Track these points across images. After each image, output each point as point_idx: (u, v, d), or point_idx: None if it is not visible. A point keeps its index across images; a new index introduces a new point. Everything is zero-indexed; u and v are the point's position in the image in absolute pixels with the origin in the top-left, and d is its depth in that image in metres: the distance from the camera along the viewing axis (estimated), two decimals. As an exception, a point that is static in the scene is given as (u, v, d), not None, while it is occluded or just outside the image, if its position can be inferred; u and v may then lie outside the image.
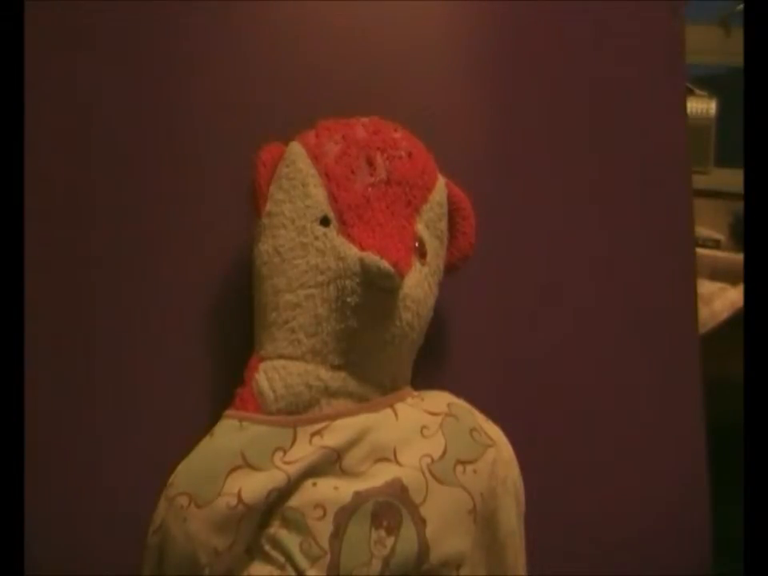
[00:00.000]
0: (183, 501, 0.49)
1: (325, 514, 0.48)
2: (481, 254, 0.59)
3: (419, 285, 0.53)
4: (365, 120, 0.56)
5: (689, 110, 0.74)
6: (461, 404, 0.54)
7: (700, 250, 0.97)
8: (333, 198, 0.52)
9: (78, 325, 0.62)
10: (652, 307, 0.67)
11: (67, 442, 0.59)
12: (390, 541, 0.48)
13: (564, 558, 0.60)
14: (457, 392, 0.55)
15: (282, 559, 0.47)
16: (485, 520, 0.51)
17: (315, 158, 0.54)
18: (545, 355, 0.65)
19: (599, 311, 0.66)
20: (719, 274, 1.06)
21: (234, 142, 0.64)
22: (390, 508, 0.48)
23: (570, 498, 0.62)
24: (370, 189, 0.53)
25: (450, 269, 0.57)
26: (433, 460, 0.50)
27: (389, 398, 0.53)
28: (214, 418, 0.52)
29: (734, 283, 1.04)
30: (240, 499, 0.48)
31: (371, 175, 0.53)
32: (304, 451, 0.49)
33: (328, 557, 0.47)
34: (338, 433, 0.50)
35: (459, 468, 0.51)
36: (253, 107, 0.66)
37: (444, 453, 0.51)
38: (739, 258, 1.09)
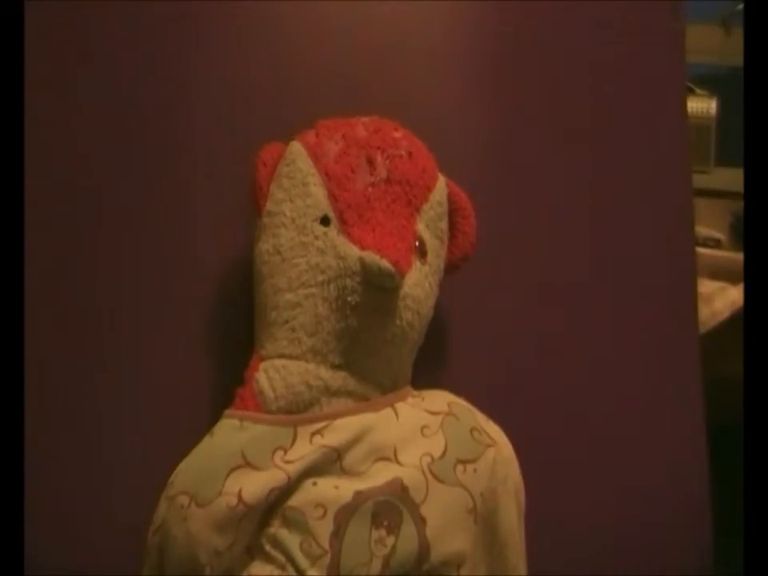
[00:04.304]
0: (184, 500, 0.49)
1: (325, 514, 0.48)
2: (481, 254, 0.59)
3: (419, 284, 0.53)
4: (365, 119, 0.56)
5: (689, 110, 0.74)
6: (461, 403, 0.54)
7: (700, 250, 0.97)
8: (333, 198, 0.52)
9: (78, 324, 0.62)
10: (652, 307, 0.67)
11: (67, 442, 0.59)
12: (390, 540, 0.48)
13: (564, 558, 0.60)
14: (457, 392, 0.55)
15: (282, 559, 0.47)
16: (485, 519, 0.51)
17: (315, 158, 0.54)
18: (545, 355, 0.65)
19: (599, 311, 0.66)
20: (719, 273, 1.06)
21: (234, 141, 0.64)
22: (391, 507, 0.48)
23: (569, 497, 0.62)
24: (370, 188, 0.53)
25: (451, 268, 0.57)
26: (433, 459, 0.50)
27: (389, 398, 0.53)
28: (214, 418, 0.52)
29: (734, 283, 1.04)
30: (240, 499, 0.48)
31: (371, 174, 0.53)
32: (304, 450, 0.49)
33: (328, 556, 0.47)
34: (338, 432, 0.50)
35: (459, 467, 0.51)
36: (253, 107, 0.66)
37: (444, 452, 0.51)
38: (739, 257, 1.09)
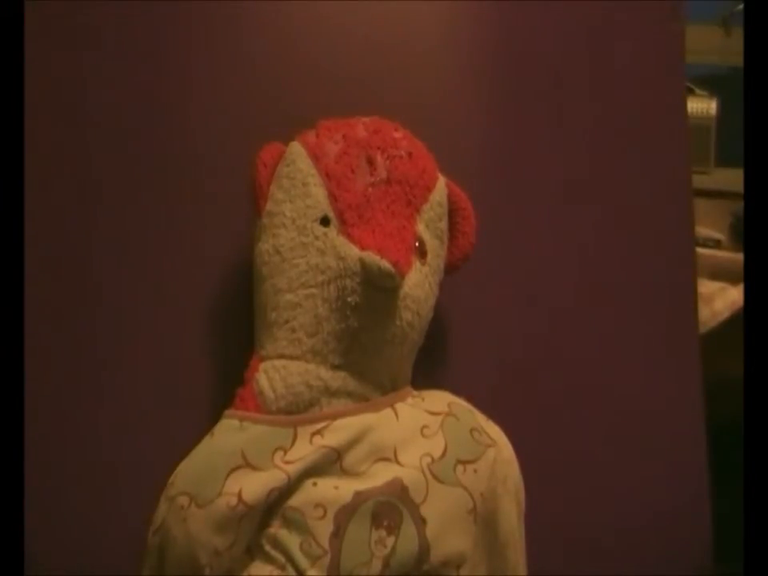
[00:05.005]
0: (184, 501, 0.49)
1: (325, 514, 0.48)
2: (481, 254, 0.59)
3: (419, 285, 0.53)
4: (365, 120, 0.56)
5: (689, 110, 0.74)
6: (461, 404, 0.54)
7: (700, 250, 0.97)
8: (333, 198, 0.52)
9: (78, 324, 0.62)
10: (652, 307, 0.67)
11: (67, 442, 0.59)
12: (390, 540, 0.48)
13: (564, 558, 0.60)
14: (457, 392, 0.55)
15: (282, 559, 0.47)
16: (485, 520, 0.51)
17: (315, 158, 0.54)
18: (544, 355, 0.65)
19: (600, 311, 0.66)
20: (719, 273, 1.06)
21: (234, 141, 0.64)
22: (391, 508, 0.48)
23: (569, 497, 0.62)
24: (370, 188, 0.53)
25: (450, 269, 0.57)
26: (433, 460, 0.50)
27: (389, 398, 0.53)
28: (214, 418, 0.52)
29: (734, 283, 1.04)
30: (240, 499, 0.48)
31: (371, 175, 0.53)
32: (304, 451, 0.49)
33: (328, 556, 0.47)
34: (338, 432, 0.50)
35: (459, 468, 0.51)
36: (253, 107, 0.66)
37: (444, 452, 0.51)
38: (739, 257, 1.09)
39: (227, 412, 0.52)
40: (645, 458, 0.64)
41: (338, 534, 0.47)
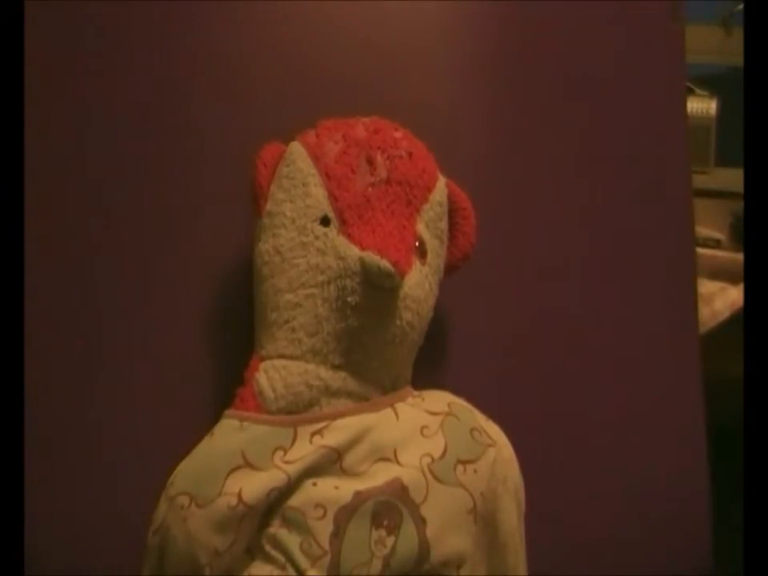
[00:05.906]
0: (184, 501, 0.49)
1: (325, 514, 0.48)
2: (481, 254, 0.59)
3: (419, 284, 0.53)
4: (365, 119, 0.56)
5: (689, 110, 0.74)
6: (461, 404, 0.54)
7: (700, 250, 0.97)
8: (333, 198, 0.52)
9: (79, 324, 0.62)
10: (652, 307, 0.67)
11: (67, 442, 0.59)
12: (390, 540, 0.48)
13: (564, 558, 0.60)
14: (457, 392, 0.55)
15: (282, 559, 0.47)
16: (485, 520, 0.51)
17: (315, 158, 0.54)
18: (545, 355, 0.65)
19: (599, 311, 0.66)
20: (719, 273, 1.06)
21: (234, 141, 0.64)
22: (391, 508, 0.48)
23: (569, 497, 0.62)
24: (370, 188, 0.53)
25: (451, 269, 0.57)
26: (433, 460, 0.50)
27: (389, 398, 0.53)
28: (214, 418, 0.52)
29: (734, 283, 1.04)
30: (240, 499, 0.48)
31: (371, 175, 0.53)
32: (304, 451, 0.49)
33: (328, 556, 0.47)
34: (338, 432, 0.50)
35: (459, 468, 0.51)
36: (253, 107, 0.66)
37: (444, 452, 0.51)
38: (739, 257, 1.09)
39: (227, 412, 0.52)
40: (645, 458, 0.64)
41: (338, 534, 0.47)
